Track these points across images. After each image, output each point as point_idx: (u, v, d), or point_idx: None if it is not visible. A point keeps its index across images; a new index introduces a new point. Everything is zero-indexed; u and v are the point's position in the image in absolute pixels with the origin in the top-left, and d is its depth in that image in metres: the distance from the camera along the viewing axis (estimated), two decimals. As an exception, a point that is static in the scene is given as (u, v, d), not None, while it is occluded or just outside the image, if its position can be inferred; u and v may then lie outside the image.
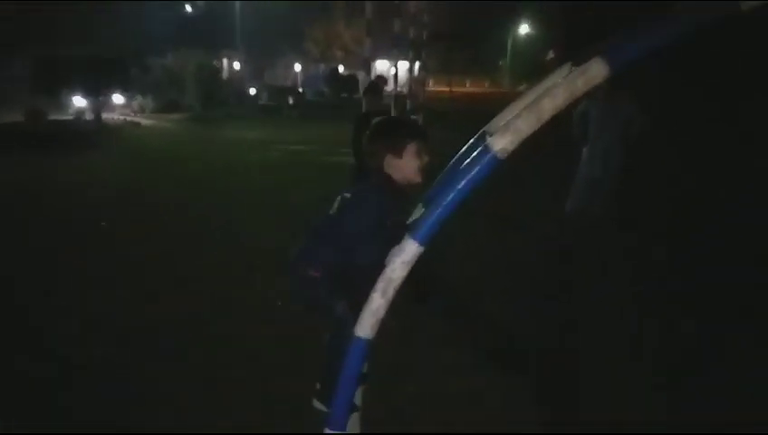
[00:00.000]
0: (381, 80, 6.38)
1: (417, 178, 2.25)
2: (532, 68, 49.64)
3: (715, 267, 5.23)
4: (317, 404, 2.53)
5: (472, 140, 2.15)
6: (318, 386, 2.56)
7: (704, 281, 4.85)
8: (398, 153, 2.22)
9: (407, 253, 1.79)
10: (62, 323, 3.83)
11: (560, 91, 1.59)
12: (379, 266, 1.87)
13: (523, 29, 56.09)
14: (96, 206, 7.03)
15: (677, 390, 3.20)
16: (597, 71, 1.57)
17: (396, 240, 1.84)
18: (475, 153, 1.76)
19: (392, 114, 5.42)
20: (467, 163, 1.75)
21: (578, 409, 3.03)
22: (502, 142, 1.66)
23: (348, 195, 2.30)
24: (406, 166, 2.23)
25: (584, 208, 6.53)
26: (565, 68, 1.81)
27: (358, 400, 2.43)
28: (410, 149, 2.23)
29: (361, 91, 6.79)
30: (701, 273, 5.10)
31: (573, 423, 2.91)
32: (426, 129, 2.47)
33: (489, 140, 1.69)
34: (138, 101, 20.51)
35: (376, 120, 2.47)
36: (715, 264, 5.33)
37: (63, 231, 5.99)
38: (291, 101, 25.70)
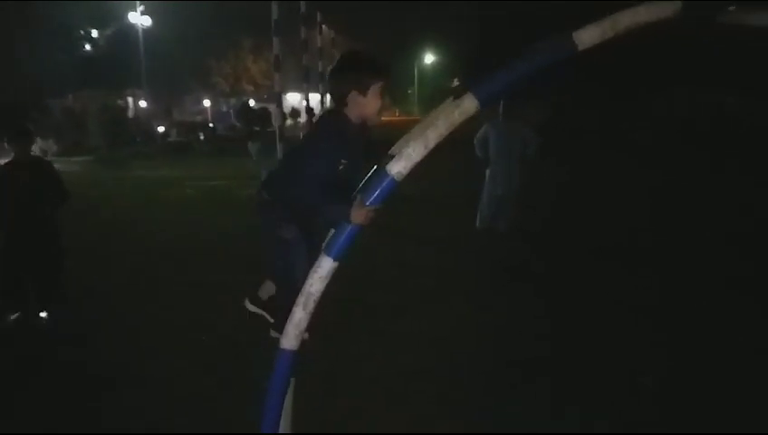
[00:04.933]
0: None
1: (376, 119, 2.28)
2: (439, 95, 51.71)
3: (603, 268, 5.85)
4: (274, 333, 2.48)
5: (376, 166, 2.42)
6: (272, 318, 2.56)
7: (594, 281, 5.42)
8: (363, 91, 2.20)
9: (323, 268, 2.03)
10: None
11: (440, 122, 1.90)
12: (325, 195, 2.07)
13: (428, 58, 58.32)
14: None
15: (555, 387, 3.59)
16: (469, 103, 1.90)
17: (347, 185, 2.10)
18: (375, 177, 2.03)
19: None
20: (369, 186, 2.03)
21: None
22: (397, 167, 1.95)
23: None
24: (368, 104, 2.23)
25: (491, 224, 7.06)
26: (447, 102, 2.13)
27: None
28: (375, 88, 2.22)
29: (276, 124, 6.79)
30: (594, 274, 5.67)
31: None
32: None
33: (387, 165, 1.98)
34: (38, 144, 19.57)
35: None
36: (604, 263, 5.97)
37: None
38: (202, 137, 25.37)
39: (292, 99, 38.45)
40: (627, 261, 6.11)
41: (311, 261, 2.19)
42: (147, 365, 3.91)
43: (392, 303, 4.94)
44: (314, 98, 22.20)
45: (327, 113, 2.38)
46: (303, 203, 2.18)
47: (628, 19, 1.81)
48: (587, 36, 1.82)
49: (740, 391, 3.40)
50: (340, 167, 2.18)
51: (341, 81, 2.24)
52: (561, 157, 13.74)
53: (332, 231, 2.11)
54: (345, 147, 2.20)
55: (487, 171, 7.08)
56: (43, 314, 4.60)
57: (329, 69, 2.33)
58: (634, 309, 4.74)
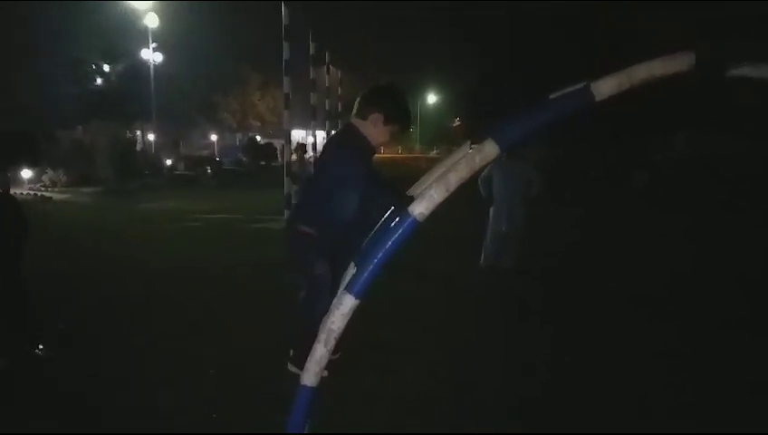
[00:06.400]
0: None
1: (379, 146, 2.58)
2: (441, 134, 52.51)
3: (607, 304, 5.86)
4: (291, 368, 2.57)
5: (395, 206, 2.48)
6: (291, 351, 2.62)
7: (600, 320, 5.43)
8: (386, 121, 2.50)
9: (345, 305, 2.07)
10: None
11: (462, 166, 1.97)
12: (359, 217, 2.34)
13: (431, 98, 59.24)
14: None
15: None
16: (490, 149, 1.97)
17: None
18: (398, 218, 2.09)
19: None
20: (392, 226, 2.08)
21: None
22: (419, 208, 2.01)
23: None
24: (381, 133, 2.52)
25: (495, 262, 7.11)
26: (465, 146, 2.21)
27: None
28: (394, 127, 2.54)
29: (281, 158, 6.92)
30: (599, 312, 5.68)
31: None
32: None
33: (410, 206, 2.03)
34: (48, 174, 19.83)
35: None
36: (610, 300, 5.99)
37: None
38: (209, 171, 25.59)
39: (297, 134, 38.95)
40: (634, 297, 6.17)
41: (331, 297, 2.25)
42: (146, 370, 4.00)
43: (397, 337, 4.94)
44: (320, 135, 22.55)
45: (342, 130, 2.63)
46: (349, 214, 2.41)
47: (643, 72, 1.90)
48: (605, 87, 1.91)
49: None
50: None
51: (379, 100, 2.51)
52: (567, 196, 13.87)
53: (354, 269, 2.16)
54: (365, 155, 2.45)
55: (491, 209, 7.17)
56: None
57: (359, 98, 2.58)
58: (644, 342, 4.79)
